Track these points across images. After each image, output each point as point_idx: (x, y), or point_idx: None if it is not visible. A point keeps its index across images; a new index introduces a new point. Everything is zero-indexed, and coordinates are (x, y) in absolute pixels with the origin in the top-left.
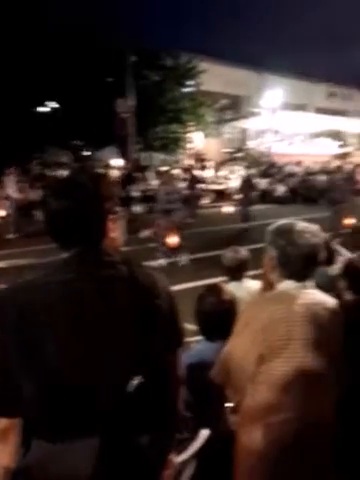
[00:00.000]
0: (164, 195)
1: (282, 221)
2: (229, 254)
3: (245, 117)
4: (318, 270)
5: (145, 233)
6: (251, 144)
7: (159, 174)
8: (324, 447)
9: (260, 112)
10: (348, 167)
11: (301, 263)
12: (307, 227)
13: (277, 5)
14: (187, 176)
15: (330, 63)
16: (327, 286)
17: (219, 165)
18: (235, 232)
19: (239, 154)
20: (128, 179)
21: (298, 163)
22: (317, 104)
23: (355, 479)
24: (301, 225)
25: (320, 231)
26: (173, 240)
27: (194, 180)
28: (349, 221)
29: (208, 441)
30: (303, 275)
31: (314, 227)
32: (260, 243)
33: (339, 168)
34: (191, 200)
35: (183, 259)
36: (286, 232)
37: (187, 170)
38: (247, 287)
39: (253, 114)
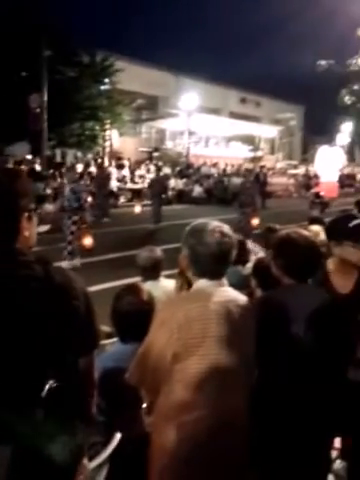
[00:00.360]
0: (71, 193)
1: (197, 221)
2: (144, 254)
3: (162, 117)
4: (232, 269)
5: (44, 228)
6: (169, 144)
7: (68, 171)
8: (238, 446)
9: (177, 113)
10: (260, 170)
11: (210, 261)
12: (218, 227)
13: (189, 9)
14: (100, 173)
15: (240, 69)
16: (240, 284)
17: (136, 164)
18: (149, 232)
19: (156, 154)
20: (35, 176)
21: (214, 165)
22: (231, 109)
23: (269, 478)
24: (213, 225)
25: (231, 231)
26: (87, 241)
27: (106, 178)
28: (256, 222)
29: (122, 444)
30: (215, 273)
31: (225, 227)
32: (174, 243)
33: (248, 171)
34: (102, 198)
35: (74, 262)
36: (197, 231)
37: (100, 167)
38: (163, 286)
39: (170, 115)
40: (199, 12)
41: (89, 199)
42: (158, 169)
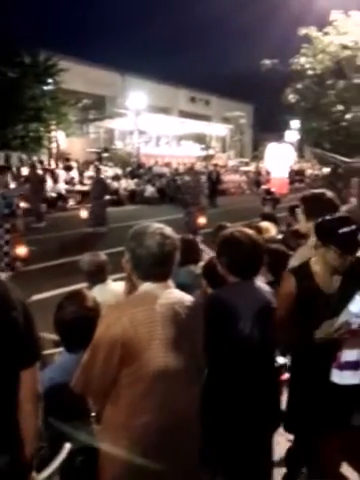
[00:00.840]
0: (1, 199)
1: (141, 224)
2: (87, 258)
3: (110, 117)
4: (184, 268)
5: None
6: (118, 144)
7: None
8: (190, 446)
9: (126, 113)
10: (213, 169)
11: (153, 264)
12: (159, 229)
13: (136, 8)
14: (34, 177)
15: (189, 68)
16: (193, 284)
17: (84, 165)
18: (96, 236)
19: (105, 154)
20: None
21: (166, 164)
22: (180, 107)
23: (220, 476)
24: (153, 227)
25: (173, 232)
26: (21, 251)
27: (40, 181)
28: (203, 221)
29: (71, 455)
30: (159, 276)
31: (167, 229)
32: (121, 246)
33: (191, 170)
34: (36, 203)
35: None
36: (137, 235)
37: (33, 170)
38: (112, 290)
39: (118, 115)
40: (146, 11)
41: (22, 204)
42: (97, 170)
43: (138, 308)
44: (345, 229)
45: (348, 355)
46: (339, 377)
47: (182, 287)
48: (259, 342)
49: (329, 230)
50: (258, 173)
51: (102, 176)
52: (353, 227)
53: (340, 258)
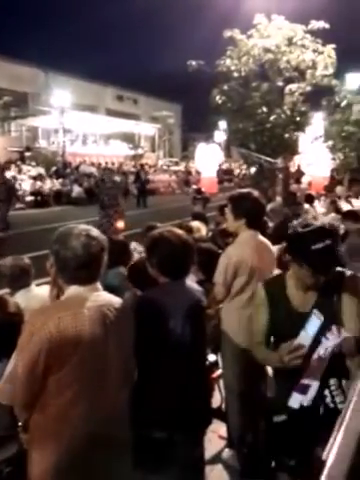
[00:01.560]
0: None
1: (66, 226)
2: (8, 262)
3: (33, 115)
4: (114, 270)
5: None
6: (42, 143)
7: None
8: (121, 449)
9: (49, 111)
10: (141, 169)
11: (78, 266)
12: (85, 230)
13: (61, 4)
14: None
15: (116, 67)
16: (122, 286)
17: (6, 165)
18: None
19: (28, 153)
20: None
21: (94, 164)
22: (107, 106)
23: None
24: (79, 229)
25: (99, 234)
26: None
27: None
28: (121, 225)
29: None
30: (86, 278)
31: (94, 230)
32: (43, 250)
33: (109, 170)
34: None
35: None
36: (61, 237)
37: None
38: (36, 295)
39: (42, 112)
40: (71, 7)
41: None
42: (2, 170)
43: (64, 313)
44: (318, 245)
45: (305, 379)
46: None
47: (111, 289)
48: (190, 341)
49: (300, 246)
50: (188, 173)
51: (8, 177)
52: (328, 242)
53: (313, 277)
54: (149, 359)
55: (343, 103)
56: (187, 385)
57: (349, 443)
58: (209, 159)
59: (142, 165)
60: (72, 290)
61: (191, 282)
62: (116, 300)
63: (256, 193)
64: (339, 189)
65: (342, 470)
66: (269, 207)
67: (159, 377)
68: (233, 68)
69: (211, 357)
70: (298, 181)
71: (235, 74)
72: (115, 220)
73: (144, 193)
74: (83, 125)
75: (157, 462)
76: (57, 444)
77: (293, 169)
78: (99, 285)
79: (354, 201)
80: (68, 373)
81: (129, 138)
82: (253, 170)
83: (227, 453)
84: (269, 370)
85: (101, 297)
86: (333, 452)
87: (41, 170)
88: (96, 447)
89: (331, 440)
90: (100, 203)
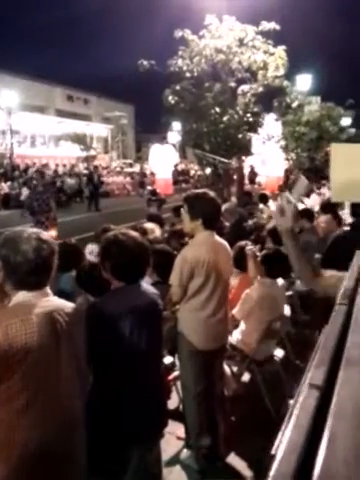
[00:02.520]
0: None
1: (13, 230)
2: None
3: None
4: (66, 275)
5: None
6: None
7: None
8: (73, 459)
9: None
10: (94, 171)
11: (28, 271)
12: (35, 234)
13: (7, 3)
14: None
15: (66, 67)
16: (75, 290)
17: None
18: None
19: None
20: None
21: (44, 166)
22: (57, 106)
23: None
24: (28, 232)
25: (49, 237)
26: None
27: None
28: (53, 233)
29: None
30: (36, 283)
31: (44, 234)
32: None
33: (39, 173)
34: None
35: None
36: (10, 241)
37: None
38: None
39: None
40: (19, 5)
41: None
42: None
43: (12, 320)
44: None
45: None
46: None
47: (64, 294)
48: (146, 344)
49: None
50: (143, 174)
51: None
52: None
53: None
54: (104, 365)
55: (294, 104)
56: (142, 388)
57: (297, 438)
58: (164, 160)
59: (96, 167)
60: (20, 296)
61: (146, 285)
62: (67, 305)
63: (212, 193)
64: None
65: (291, 465)
66: (224, 207)
67: (114, 382)
68: (185, 68)
69: (168, 359)
70: (253, 181)
71: (187, 74)
72: (47, 228)
73: (96, 196)
74: (32, 126)
75: (113, 467)
76: (8, 454)
77: (247, 170)
78: (49, 290)
79: (306, 200)
80: (19, 381)
81: (81, 139)
82: (208, 171)
83: (185, 454)
84: (227, 369)
85: (51, 302)
86: (282, 447)
87: None
88: (50, 455)
89: (279, 435)
90: (28, 208)
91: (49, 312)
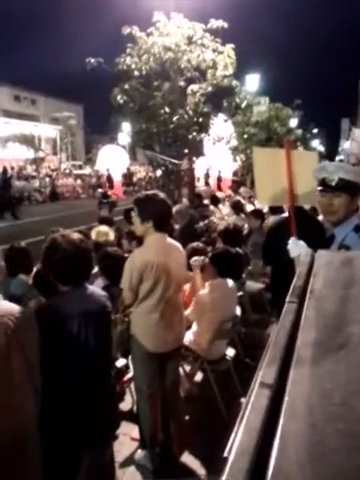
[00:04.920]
0: None
1: None
2: None
3: None
4: (16, 279)
5: None
6: None
7: None
8: (27, 466)
9: None
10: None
11: None
12: None
13: None
14: None
15: (11, 66)
16: (25, 294)
17: None
18: None
19: None
20: None
21: None
22: (4, 107)
23: None
24: None
25: None
26: None
27: None
28: None
29: None
30: None
31: None
32: None
33: None
34: None
35: None
36: None
37: None
38: None
39: None
40: None
41: None
42: None
43: None
44: None
45: None
46: None
47: (14, 298)
48: (95, 347)
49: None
50: (98, 177)
51: None
52: None
53: None
54: (52, 368)
55: (243, 104)
56: (92, 391)
57: (249, 439)
58: (113, 162)
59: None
60: None
61: (94, 287)
62: (17, 309)
63: (162, 195)
64: (242, 190)
65: (243, 467)
66: (175, 209)
67: (63, 385)
68: (133, 66)
69: (121, 361)
70: (208, 183)
71: (136, 73)
72: None
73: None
74: None
75: (65, 470)
76: None
77: (202, 171)
78: None
79: (256, 201)
80: None
81: (28, 141)
82: (159, 173)
83: (140, 454)
84: (180, 370)
85: (2, 307)
86: (234, 449)
87: None
88: (3, 464)
89: (232, 436)
90: None
91: (0, 317)
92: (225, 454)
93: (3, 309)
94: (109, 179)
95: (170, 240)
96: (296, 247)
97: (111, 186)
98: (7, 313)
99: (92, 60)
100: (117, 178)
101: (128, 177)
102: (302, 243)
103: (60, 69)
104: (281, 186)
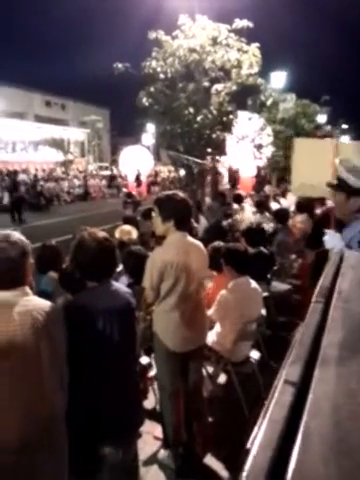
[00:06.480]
0: None
1: None
2: None
3: None
4: (46, 276)
5: None
6: None
7: None
8: (55, 450)
9: None
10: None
11: (5, 270)
12: (4, 236)
13: None
14: None
15: (43, 73)
16: (55, 291)
17: None
18: None
19: None
20: None
21: (24, 170)
22: (36, 112)
23: None
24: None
25: (22, 238)
26: None
27: None
28: None
29: None
30: (9, 282)
31: (14, 235)
32: None
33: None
34: None
35: None
36: None
37: None
38: None
39: None
40: None
41: None
42: None
43: None
44: None
45: None
46: None
47: (43, 294)
48: (119, 342)
49: None
50: (121, 177)
51: None
52: None
53: None
54: (78, 363)
55: (269, 102)
56: (117, 387)
57: (272, 433)
58: (136, 163)
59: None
60: (0, 295)
61: (119, 284)
62: (46, 304)
63: (182, 194)
64: (268, 188)
65: (266, 459)
66: (207, 205)
67: (88, 380)
68: (159, 70)
69: (144, 359)
70: (236, 183)
71: (161, 76)
72: None
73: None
74: (12, 132)
75: (89, 466)
76: None
77: (223, 170)
78: (28, 289)
79: (282, 200)
80: (1, 380)
81: (58, 144)
82: (182, 172)
83: (163, 453)
84: (204, 372)
85: (31, 301)
86: (257, 442)
87: None
88: (32, 448)
89: (255, 430)
90: None
91: (29, 310)
92: (248, 446)
93: (33, 304)
94: (137, 179)
95: (191, 239)
96: (332, 239)
97: (139, 185)
98: (37, 308)
99: (120, 65)
100: (142, 178)
101: (153, 177)
102: (338, 236)
103: (88, 75)
104: (319, 178)
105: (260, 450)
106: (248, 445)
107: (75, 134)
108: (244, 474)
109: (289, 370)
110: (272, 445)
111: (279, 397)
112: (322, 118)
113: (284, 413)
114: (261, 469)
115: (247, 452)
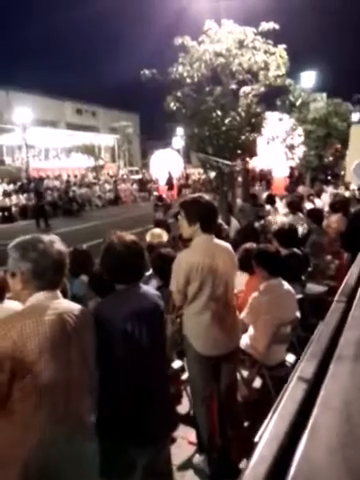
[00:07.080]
0: None
1: (24, 237)
2: None
3: None
4: (77, 280)
5: None
6: (7, 160)
7: None
8: (84, 455)
9: (12, 128)
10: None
11: (54, 271)
12: (53, 238)
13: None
14: None
15: (73, 81)
16: (86, 294)
17: None
18: None
19: None
20: None
21: (57, 177)
22: (67, 120)
23: None
24: (47, 237)
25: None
26: None
27: None
28: None
29: None
30: (55, 284)
31: (58, 241)
32: None
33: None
34: None
35: None
36: (36, 244)
37: None
38: (9, 308)
39: (4, 130)
40: (23, 25)
41: None
42: None
43: (26, 321)
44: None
45: None
46: None
47: (75, 298)
48: (148, 345)
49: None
50: (152, 181)
51: None
52: None
53: None
54: (108, 366)
55: (298, 102)
56: (147, 390)
57: (281, 426)
58: (166, 166)
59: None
60: (35, 298)
61: (147, 287)
62: (76, 307)
63: (207, 197)
64: (301, 188)
65: (272, 451)
66: (239, 207)
67: (118, 384)
68: (186, 74)
69: (177, 363)
70: (269, 184)
71: (188, 80)
72: None
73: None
74: (45, 140)
75: (121, 469)
76: (23, 451)
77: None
78: (59, 293)
79: (316, 200)
80: (32, 380)
81: (89, 150)
82: (212, 174)
83: (197, 458)
84: (238, 376)
85: (61, 304)
86: (265, 434)
87: (6, 186)
88: (61, 453)
89: (265, 423)
90: None
91: (60, 314)
92: (256, 439)
93: (63, 307)
94: (169, 181)
95: (217, 241)
96: None
97: (170, 188)
98: (67, 310)
99: (147, 72)
100: (172, 181)
101: (185, 179)
102: None
103: (117, 82)
104: None
105: (268, 441)
106: (257, 437)
107: (105, 140)
108: (250, 465)
109: (303, 367)
110: (279, 437)
111: (291, 391)
112: (355, 116)
113: (295, 408)
114: (267, 460)
115: (255, 444)
